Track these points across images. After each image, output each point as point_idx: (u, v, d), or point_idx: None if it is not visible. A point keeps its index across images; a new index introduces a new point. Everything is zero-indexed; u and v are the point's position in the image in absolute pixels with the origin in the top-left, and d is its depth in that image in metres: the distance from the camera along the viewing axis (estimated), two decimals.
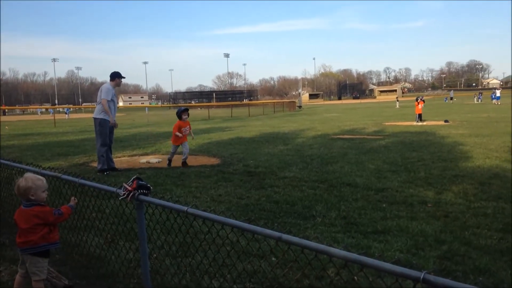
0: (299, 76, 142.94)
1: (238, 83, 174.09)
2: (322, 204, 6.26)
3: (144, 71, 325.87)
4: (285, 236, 2.13)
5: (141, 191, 3.01)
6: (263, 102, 65.48)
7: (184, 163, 10.09)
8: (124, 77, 9.86)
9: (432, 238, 4.71)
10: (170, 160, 10.35)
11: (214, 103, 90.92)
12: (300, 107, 61.51)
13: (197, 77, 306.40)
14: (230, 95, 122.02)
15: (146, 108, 65.62)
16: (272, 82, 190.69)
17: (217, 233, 2.85)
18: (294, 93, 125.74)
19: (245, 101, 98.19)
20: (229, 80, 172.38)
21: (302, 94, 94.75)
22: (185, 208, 2.62)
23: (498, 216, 5.47)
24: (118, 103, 11.62)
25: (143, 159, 11.48)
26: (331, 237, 4.82)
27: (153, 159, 11.30)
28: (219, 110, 56.25)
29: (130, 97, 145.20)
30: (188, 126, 10.54)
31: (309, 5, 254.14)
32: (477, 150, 11.12)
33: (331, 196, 6.80)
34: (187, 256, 4.12)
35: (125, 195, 3.03)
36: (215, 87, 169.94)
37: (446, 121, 22.03)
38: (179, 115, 10.50)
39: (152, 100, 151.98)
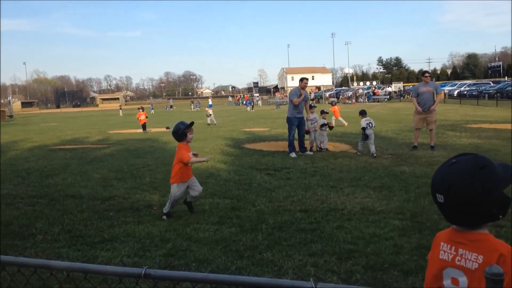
0: (8, 83, 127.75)
1: None
2: (43, 220, 5.79)
3: None
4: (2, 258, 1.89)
5: None
6: None
7: (191, 206, 6.18)
8: None
9: (158, 239, 4.95)
10: (169, 213, 5.90)
11: None
12: (11, 116, 54.94)
13: None
14: None
15: None
16: None
17: None
18: (3, 101, 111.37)
19: None
20: None
21: (13, 102, 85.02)
22: None
23: (214, 211, 6.15)
24: None
25: None
26: (54, 253, 4.51)
27: None
28: None
29: None
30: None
31: (10, 4, 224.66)
32: None
33: (53, 210, 6.35)
34: None
35: None
36: None
37: (167, 128, 23.37)
38: (182, 133, 6.41)
39: None
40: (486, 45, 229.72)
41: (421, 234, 4.77)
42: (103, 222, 5.70)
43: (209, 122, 25.34)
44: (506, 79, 70.73)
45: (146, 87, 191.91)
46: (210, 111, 25.98)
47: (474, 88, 48.40)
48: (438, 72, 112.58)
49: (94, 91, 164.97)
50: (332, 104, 22.72)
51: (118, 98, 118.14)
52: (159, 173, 9.22)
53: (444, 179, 1.56)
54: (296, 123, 11.47)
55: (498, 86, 47.81)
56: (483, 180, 1.50)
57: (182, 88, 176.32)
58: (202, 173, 9.10)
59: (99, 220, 5.81)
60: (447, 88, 52.09)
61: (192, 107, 65.13)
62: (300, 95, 11.38)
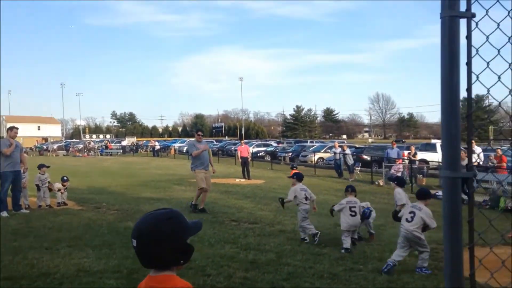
0: None
1: None
2: None
3: None
4: None
5: None
6: None
7: None
8: None
9: None
10: None
11: None
12: None
13: None
14: None
15: None
16: None
17: None
18: None
19: None
20: None
21: None
22: None
23: None
24: None
25: None
26: None
27: None
28: None
29: None
30: None
31: None
32: None
33: None
34: None
35: None
36: None
37: None
38: None
39: None
40: (211, 108, 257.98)
41: None
42: None
43: None
44: (226, 138, 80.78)
45: None
46: None
47: None
48: (170, 129, 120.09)
49: None
50: None
51: None
52: None
53: (138, 226, 1.74)
54: (11, 178, 10.13)
55: (220, 144, 54.16)
56: (167, 228, 1.70)
57: None
58: None
59: None
60: (177, 145, 55.73)
61: None
62: (10, 144, 10.17)
